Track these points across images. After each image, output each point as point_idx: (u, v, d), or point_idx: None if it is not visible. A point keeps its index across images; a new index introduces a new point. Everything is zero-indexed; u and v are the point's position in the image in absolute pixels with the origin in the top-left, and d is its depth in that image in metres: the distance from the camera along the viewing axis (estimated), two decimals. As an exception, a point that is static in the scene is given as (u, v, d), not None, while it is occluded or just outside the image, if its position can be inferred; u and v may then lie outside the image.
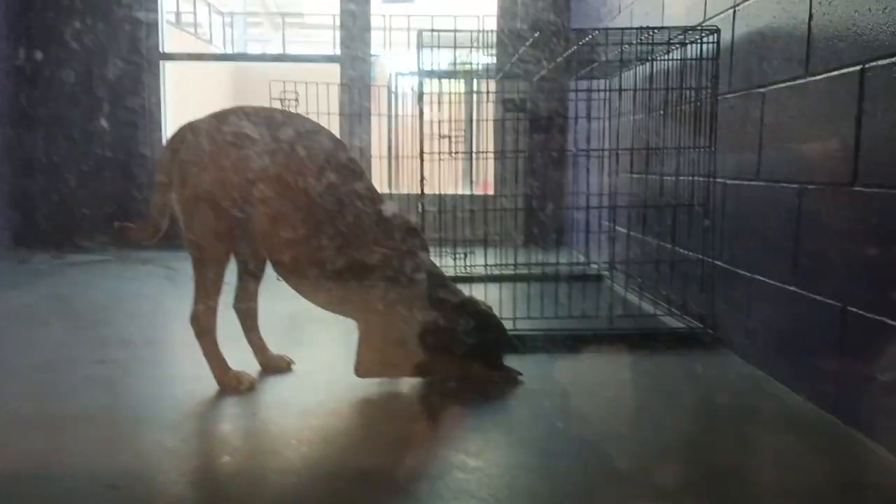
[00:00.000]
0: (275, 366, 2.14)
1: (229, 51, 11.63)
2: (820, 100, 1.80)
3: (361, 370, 1.96)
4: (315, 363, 2.21)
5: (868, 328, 1.60)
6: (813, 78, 1.83)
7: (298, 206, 1.87)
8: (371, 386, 1.97)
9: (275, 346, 2.18)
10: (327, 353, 2.33)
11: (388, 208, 1.98)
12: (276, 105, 3.10)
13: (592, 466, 1.53)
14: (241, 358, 2.07)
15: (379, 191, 2.02)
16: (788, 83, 1.95)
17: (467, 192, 4.08)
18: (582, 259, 3.80)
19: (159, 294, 3.31)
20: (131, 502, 1.36)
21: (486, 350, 2.05)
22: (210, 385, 1.95)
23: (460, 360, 2.00)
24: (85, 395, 1.92)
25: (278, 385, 2.03)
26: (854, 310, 1.66)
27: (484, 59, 3.27)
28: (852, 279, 1.68)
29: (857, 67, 1.64)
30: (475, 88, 3.72)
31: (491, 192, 4.75)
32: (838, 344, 1.72)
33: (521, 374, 2.06)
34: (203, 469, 1.57)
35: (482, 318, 2.03)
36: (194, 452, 1.64)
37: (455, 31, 2.57)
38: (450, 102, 3.38)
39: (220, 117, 1.92)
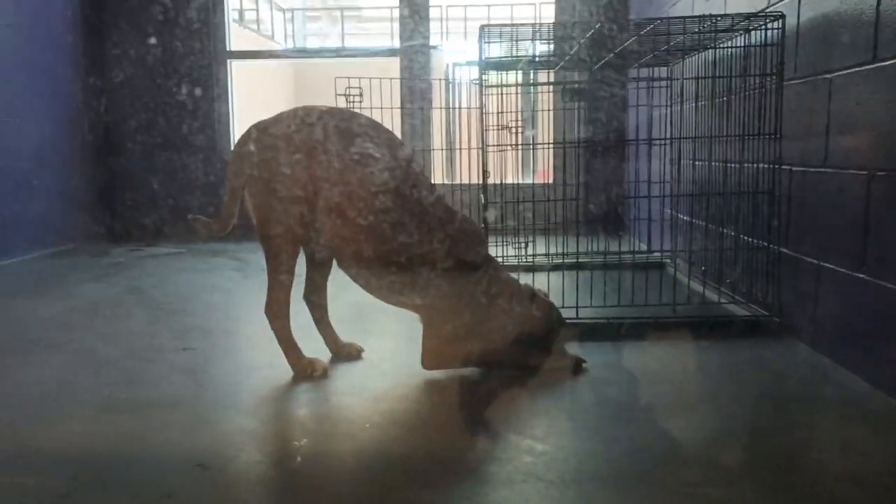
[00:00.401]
0: (346, 353, 2.23)
1: (290, 46, 11.86)
2: (888, 85, 1.78)
3: (427, 363, 2.03)
4: (384, 351, 2.28)
5: (940, 316, 1.59)
6: (881, 63, 1.81)
7: (360, 202, 1.95)
8: (438, 374, 2.04)
9: (345, 335, 2.26)
10: (395, 342, 2.41)
11: (444, 204, 2.04)
12: (341, 101, 3.19)
13: (656, 452, 1.56)
14: (313, 346, 2.16)
15: (440, 182, 2.08)
16: (856, 69, 1.92)
17: (528, 182, 4.12)
18: (644, 247, 3.79)
19: (231, 285, 3.45)
20: (219, 480, 1.46)
21: (547, 338, 2.09)
22: (285, 372, 2.05)
23: (522, 348, 2.04)
24: (170, 382, 2.04)
25: (349, 372, 2.12)
26: (925, 297, 1.64)
27: (543, 49, 3.29)
28: (923, 266, 1.66)
29: (928, 51, 1.62)
30: (534, 79, 3.74)
31: (551, 180, 4.77)
32: (909, 331, 1.70)
33: (585, 361, 2.09)
34: (282, 450, 1.66)
35: (542, 307, 2.08)
36: (274, 435, 1.74)
37: (514, 24, 2.59)
38: (510, 93, 3.42)
39: (287, 117, 2.00)
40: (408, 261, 1.96)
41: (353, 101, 3.16)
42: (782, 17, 2.30)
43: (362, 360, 2.22)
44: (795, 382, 1.99)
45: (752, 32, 2.46)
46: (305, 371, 2.04)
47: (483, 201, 2.78)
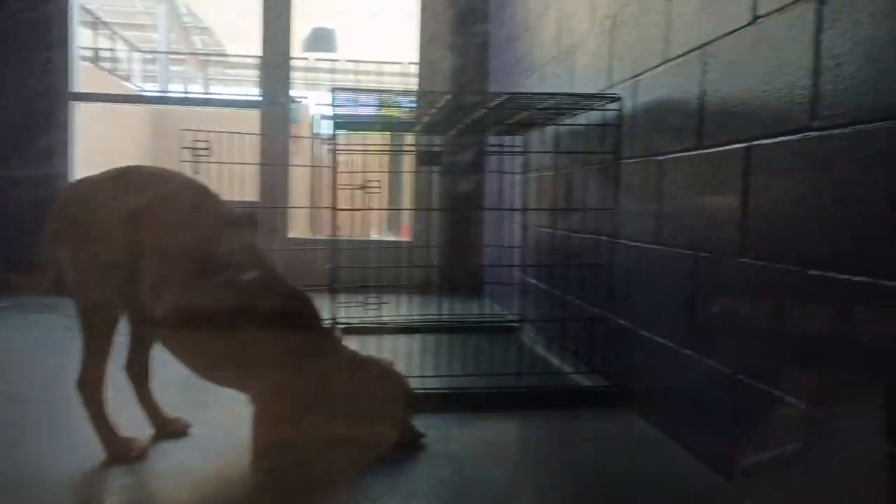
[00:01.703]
0: (170, 430, 2.06)
1: (151, 87, 11.41)
2: (711, 172, 1.88)
3: (257, 449, 1.89)
4: (214, 425, 2.13)
5: (755, 397, 1.66)
6: (704, 150, 1.92)
7: (179, 273, 1.85)
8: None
9: (174, 406, 2.10)
10: (230, 412, 2.25)
11: (274, 274, 1.97)
12: (186, 154, 3.04)
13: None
14: (136, 421, 1.98)
15: (301, 237, 2.00)
16: (682, 153, 2.03)
17: (386, 238, 4.09)
18: (497, 310, 3.83)
19: (57, 346, 3.15)
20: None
21: (390, 411, 2.03)
22: (100, 452, 1.86)
23: (362, 423, 1.97)
24: (-42, 466, 1.81)
25: (173, 451, 1.95)
26: (743, 378, 1.71)
27: (402, 111, 3.31)
28: (742, 348, 1.74)
29: (744, 144, 1.73)
30: (393, 141, 3.75)
31: (409, 237, 4.78)
32: (729, 410, 1.77)
33: (424, 434, 2.04)
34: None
35: (383, 377, 2.02)
36: (73, 530, 1.56)
37: (365, 90, 2.58)
38: (367, 154, 3.39)
39: (110, 177, 1.88)
40: (231, 336, 1.85)
41: (200, 155, 3.02)
42: (619, 99, 2.41)
43: (188, 436, 2.06)
44: (623, 456, 2.02)
45: (594, 113, 2.56)
46: (120, 452, 1.86)
47: (332, 265, 2.71)
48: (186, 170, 3.04)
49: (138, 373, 2.05)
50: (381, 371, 2.03)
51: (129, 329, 2.01)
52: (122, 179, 1.88)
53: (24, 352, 3.02)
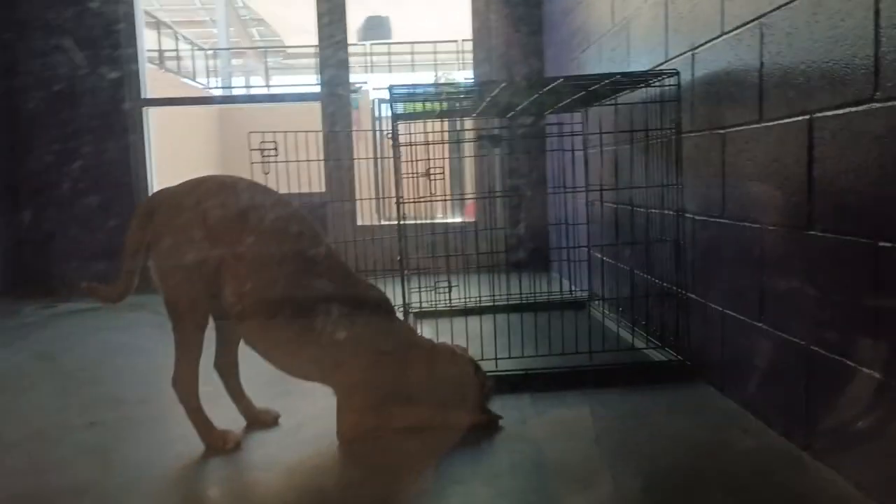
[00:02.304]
0: (261, 421, 2.19)
1: (213, 83, 11.70)
2: (774, 145, 1.87)
3: (344, 436, 2.01)
4: (302, 415, 2.25)
5: (830, 368, 1.66)
6: (767, 123, 1.90)
7: (259, 272, 1.95)
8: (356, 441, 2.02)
9: (262, 398, 2.22)
10: (315, 402, 2.37)
11: (347, 272, 2.07)
12: (256, 155, 3.16)
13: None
14: (229, 415, 2.11)
15: (369, 225, 2.08)
16: (744, 126, 2.02)
17: (452, 220, 4.15)
18: (566, 287, 3.85)
19: (150, 345, 3.33)
20: (121, 579, 1.41)
21: (465, 396, 2.10)
22: (198, 445, 2.00)
23: (442, 410, 2.05)
24: (76, 465, 1.96)
25: (265, 441, 2.07)
26: (818, 349, 1.71)
27: (460, 95, 3.34)
28: (813, 319, 1.74)
29: (806, 117, 1.71)
30: (454, 127, 3.79)
31: (474, 217, 4.83)
32: (804, 380, 1.77)
33: (501, 417, 2.11)
34: (191, 537, 1.61)
35: (457, 364, 2.09)
36: (182, 520, 1.69)
37: (422, 84, 2.63)
38: (428, 142, 3.45)
39: (190, 187, 2.00)
40: (312, 332, 1.96)
41: (269, 156, 3.14)
42: (677, 73, 2.40)
43: (279, 426, 2.18)
44: (703, 430, 2.04)
45: (653, 88, 2.55)
46: (217, 444, 1.99)
47: (400, 252, 2.78)
48: (256, 170, 3.16)
49: (227, 368, 2.17)
50: (453, 358, 2.10)
51: (215, 328, 2.13)
52: (200, 190, 1.99)
53: (121, 353, 3.21)
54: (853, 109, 1.54)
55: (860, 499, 1.55)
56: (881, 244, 1.46)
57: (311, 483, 1.81)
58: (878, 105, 1.46)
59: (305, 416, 2.25)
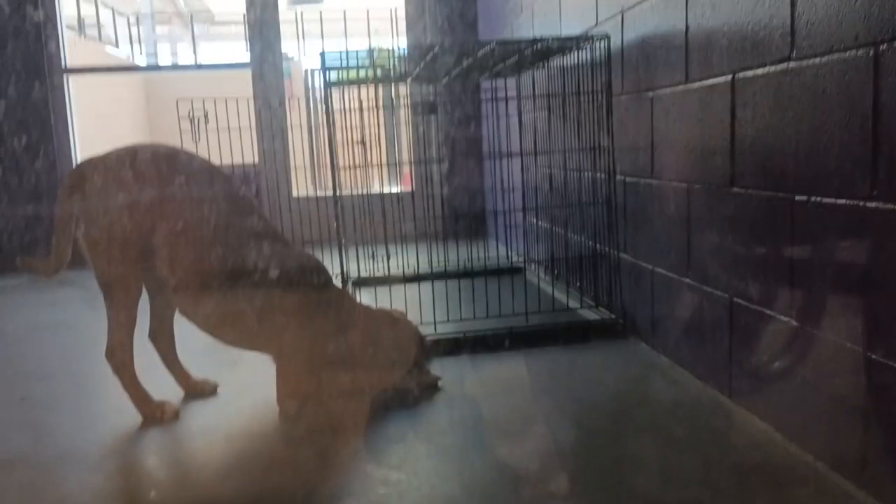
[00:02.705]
0: (199, 391, 2.17)
1: (137, 51, 11.29)
2: (699, 105, 1.93)
3: (283, 403, 2.01)
4: (239, 384, 2.24)
5: (751, 318, 1.74)
6: (691, 84, 1.96)
7: (191, 243, 1.93)
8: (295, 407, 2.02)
9: (199, 368, 2.20)
10: (252, 372, 2.36)
11: (279, 237, 2.06)
12: (185, 123, 3.09)
13: (508, 470, 1.63)
14: (165, 386, 2.09)
15: (304, 196, 2.07)
16: (670, 88, 2.07)
17: (389, 191, 4.14)
18: (502, 253, 3.91)
19: (78, 320, 3.26)
20: (58, 549, 1.39)
21: (404, 357, 2.12)
22: (134, 417, 1.97)
23: (378, 372, 2.07)
24: (6, 439, 1.92)
25: (203, 411, 2.06)
26: (740, 301, 1.79)
27: (394, 62, 3.32)
28: (736, 273, 1.81)
29: (729, 77, 1.77)
30: (387, 94, 3.77)
31: (411, 187, 4.83)
32: (727, 332, 1.85)
33: (440, 378, 2.14)
34: (130, 506, 1.60)
35: (396, 326, 2.11)
36: (121, 490, 1.67)
37: (354, 50, 2.60)
38: (362, 109, 3.42)
39: (118, 155, 1.94)
40: (248, 302, 1.94)
41: (197, 124, 3.07)
42: (608, 38, 2.44)
43: (217, 396, 2.16)
44: (635, 383, 2.12)
45: (584, 51, 2.59)
46: (154, 415, 1.97)
47: (336, 222, 2.77)
48: (186, 139, 3.09)
49: (163, 339, 2.14)
50: (391, 321, 2.12)
51: (149, 298, 2.09)
52: (129, 158, 1.93)
53: (49, 328, 3.12)
54: (771, 69, 1.60)
55: (778, 439, 1.64)
56: (797, 198, 1.54)
57: (251, 449, 1.81)
58: (793, 64, 1.52)
59: (244, 385, 2.24)
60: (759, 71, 1.64)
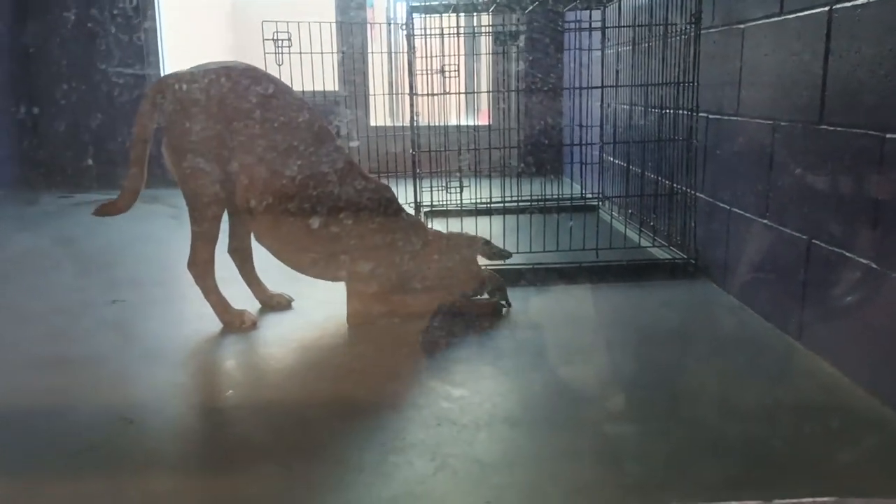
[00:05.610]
0: (275, 303, 2.26)
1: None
2: (792, 39, 1.84)
3: (353, 319, 2.08)
4: (313, 299, 2.32)
5: (828, 260, 1.70)
6: (787, 16, 1.87)
7: (271, 169, 1.98)
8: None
9: (274, 284, 2.29)
10: (325, 289, 2.44)
11: (353, 164, 2.10)
12: (269, 46, 3.13)
13: (565, 393, 1.66)
14: (243, 298, 2.19)
15: (382, 125, 2.09)
16: (764, 20, 1.98)
17: (466, 123, 4.13)
18: (577, 189, 3.87)
19: (166, 234, 3.42)
20: (144, 433, 1.50)
21: (476, 284, 2.17)
22: (215, 324, 2.08)
23: (448, 294, 2.11)
24: (98, 337, 2.06)
25: (278, 322, 2.16)
26: (818, 243, 1.75)
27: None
28: (817, 214, 1.76)
29: (826, 8, 1.68)
30: (468, 23, 3.72)
31: (489, 122, 4.79)
32: (802, 274, 1.81)
33: (505, 305, 2.18)
34: (209, 402, 1.71)
35: (469, 244, 2.15)
36: (201, 387, 1.79)
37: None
38: (442, 36, 3.40)
39: (203, 71, 1.98)
40: (321, 230, 2.00)
41: (282, 47, 3.11)
42: (700, -34, 2.34)
43: (292, 309, 2.26)
44: (704, 323, 2.11)
45: (674, -20, 2.49)
46: (234, 323, 2.07)
47: (413, 150, 2.80)
48: (270, 61, 3.14)
49: (241, 254, 2.23)
50: (465, 241, 2.16)
51: (228, 216, 2.17)
52: (213, 75, 1.98)
53: (138, 240, 3.29)
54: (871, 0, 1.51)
55: (846, 383, 1.62)
56: (888, 136, 1.47)
57: (322, 359, 1.90)
58: (898, -7, 1.44)
59: (317, 300, 2.33)
60: (858, 1, 1.56)
